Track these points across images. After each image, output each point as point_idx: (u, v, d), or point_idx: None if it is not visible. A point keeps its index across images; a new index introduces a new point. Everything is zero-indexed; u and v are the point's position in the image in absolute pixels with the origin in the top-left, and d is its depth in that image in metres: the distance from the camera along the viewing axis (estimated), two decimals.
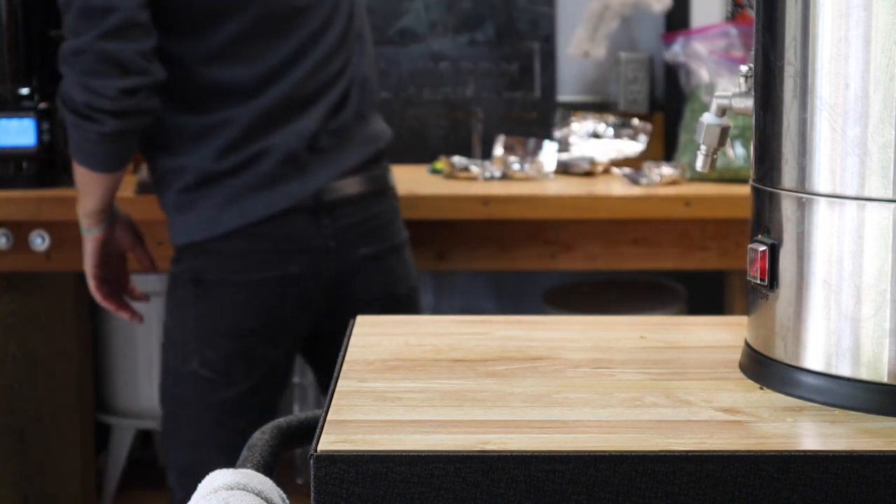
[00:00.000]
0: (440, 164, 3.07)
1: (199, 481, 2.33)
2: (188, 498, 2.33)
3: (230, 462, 2.29)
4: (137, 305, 2.48)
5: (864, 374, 1.16)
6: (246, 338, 2.24)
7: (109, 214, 2.29)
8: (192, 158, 2.21)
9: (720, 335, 1.42)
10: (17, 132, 2.77)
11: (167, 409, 2.34)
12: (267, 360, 2.26)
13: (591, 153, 3.05)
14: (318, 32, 2.24)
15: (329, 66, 2.25)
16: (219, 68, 2.19)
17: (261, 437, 1.32)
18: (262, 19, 2.19)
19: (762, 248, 1.22)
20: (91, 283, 2.34)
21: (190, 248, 2.25)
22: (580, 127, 3.10)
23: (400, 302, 2.36)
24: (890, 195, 1.13)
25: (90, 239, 2.30)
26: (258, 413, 2.28)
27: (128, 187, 2.73)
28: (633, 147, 3.08)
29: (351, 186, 2.27)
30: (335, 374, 1.27)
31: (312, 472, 1.05)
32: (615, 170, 3.02)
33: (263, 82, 2.20)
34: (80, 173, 2.23)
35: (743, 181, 2.78)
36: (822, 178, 1.17)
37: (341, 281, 2.27)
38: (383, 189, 2.34)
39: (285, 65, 2.21)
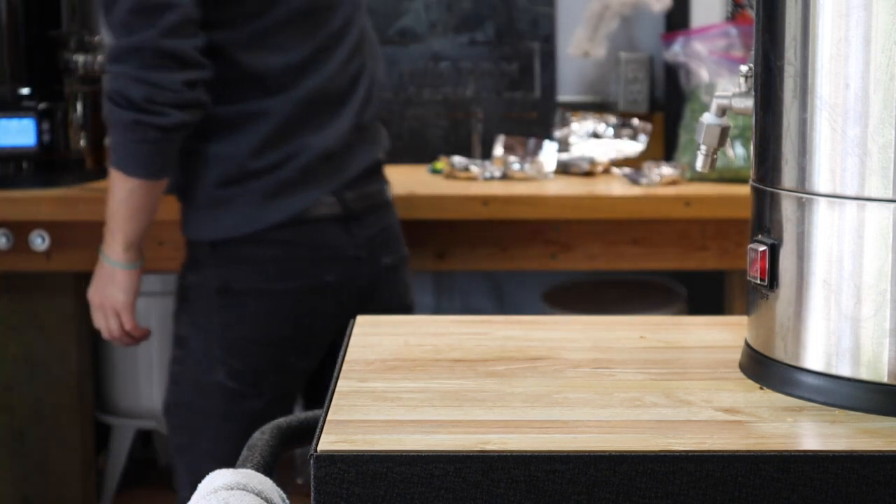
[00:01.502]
0: (440, 164, 3.07)
1: None
2: None
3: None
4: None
5: (864, 374, 1.16)
6: (277, 347, 2.21)
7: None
8: (228, 147, 2.19)
9: (720, 335, 1.42)
10: (17, 132, 2.77)
11: (182, 420, 2.28)
12: (296, 369, 2.24)
13: (591, 153, 3.05)
14: (342, 30, 2.25)
15: (351, 64, 2.26)
16: (253, 56, 2.17)
17: (261, 437, 1.32)
18: (297, 11, 2.19)
19: (762, 248, 1.22)
20: (129, 322, 2.25)
21: (215, 253, 2.20)
22: (580, 127, 3.10)
23: (408, 313, 2.38)
24: (890, 195, 1.13)
25: (133, 273, 2.22)
26: None
27: None
28: (633, 147, 3.08)
29: (371, 196, 2.28)
30: (335, 374, 1.27)
31: (312, 472, 1.05)
32: (615, 170, 3.02)
33: (295, 74, 2.20)
34: (123, 190, 2.14)
35: (743, 181, 2.78)
36: (822, 178, 1.17)
37: (369, 290, 2.28)
38: (389, 201, 2.36)
39: (314, 59, 2.21)
